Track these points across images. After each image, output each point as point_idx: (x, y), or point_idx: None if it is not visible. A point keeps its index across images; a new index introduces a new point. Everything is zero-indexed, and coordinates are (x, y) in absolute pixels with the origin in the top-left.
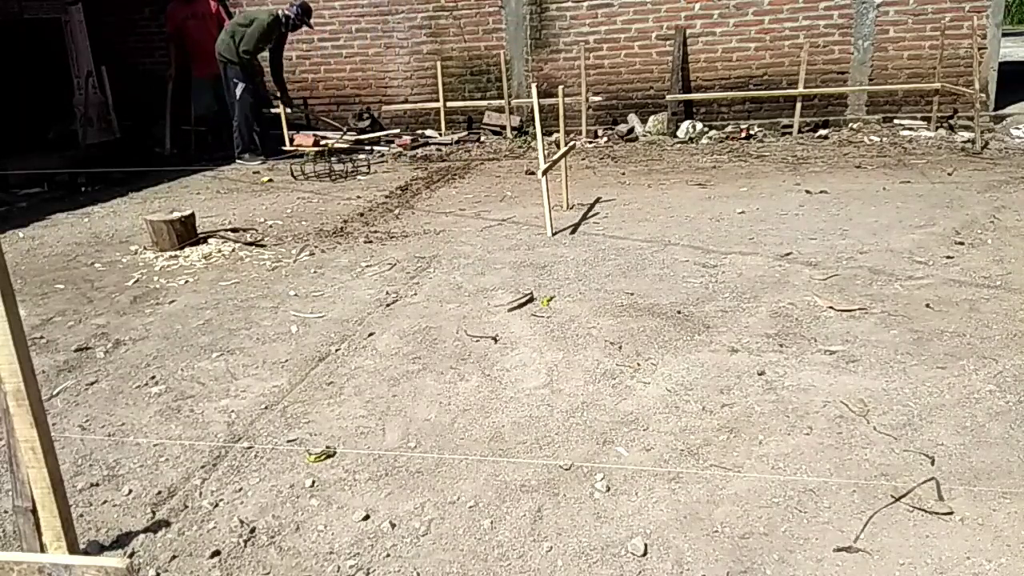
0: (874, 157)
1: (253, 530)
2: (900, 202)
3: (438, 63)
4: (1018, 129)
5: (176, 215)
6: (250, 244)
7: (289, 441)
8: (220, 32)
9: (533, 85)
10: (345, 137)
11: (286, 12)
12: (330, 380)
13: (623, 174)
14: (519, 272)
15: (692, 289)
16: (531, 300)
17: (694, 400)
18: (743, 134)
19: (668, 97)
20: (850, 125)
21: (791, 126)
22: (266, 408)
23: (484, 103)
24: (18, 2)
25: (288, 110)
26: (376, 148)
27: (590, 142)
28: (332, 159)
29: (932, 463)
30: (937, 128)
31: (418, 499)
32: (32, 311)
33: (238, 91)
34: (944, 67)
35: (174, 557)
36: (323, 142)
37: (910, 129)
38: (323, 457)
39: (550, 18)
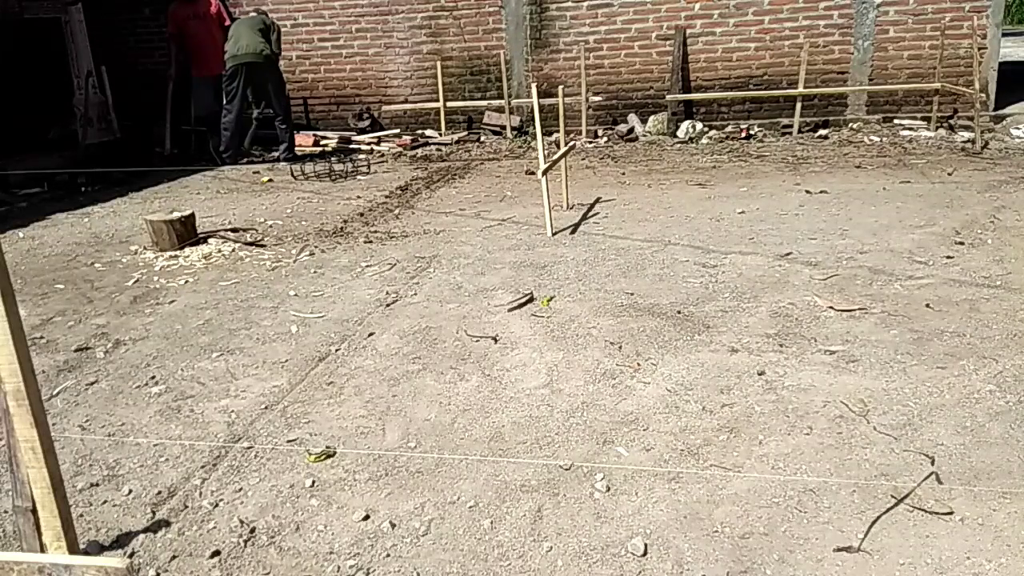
0: (874, 157)
1: (253, 530)
2: (900, 202)
3: (438, 63)
4: (1018, 129)
5: (176, 215)
6: (250, 244)
7: (289, 441)
8: (221, 35)
9: (533, 85)
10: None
11: None
12: (330, 380)
13: (623, 174)
14: (519, 272)
15: (692, 289)
16: (531, 300)
17: (694, 400)
18: (743, 134)
19: (668, 97)
20: (850, 125)
21: (791, 126)
22: (266, 408)
23: (484, 103)
24: (18, 2)
25: None
26: (376, 149)
27: (590, 142)
28: (332, 159)
29: (932, 463)
30: (937, 128)
31: (418, 499)
32: (32, 311)
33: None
34: (944, 67)
35: (174, 557)
36: (323, 143)
37: (910, 129)
38: (323, 457)
39: (550, 18)
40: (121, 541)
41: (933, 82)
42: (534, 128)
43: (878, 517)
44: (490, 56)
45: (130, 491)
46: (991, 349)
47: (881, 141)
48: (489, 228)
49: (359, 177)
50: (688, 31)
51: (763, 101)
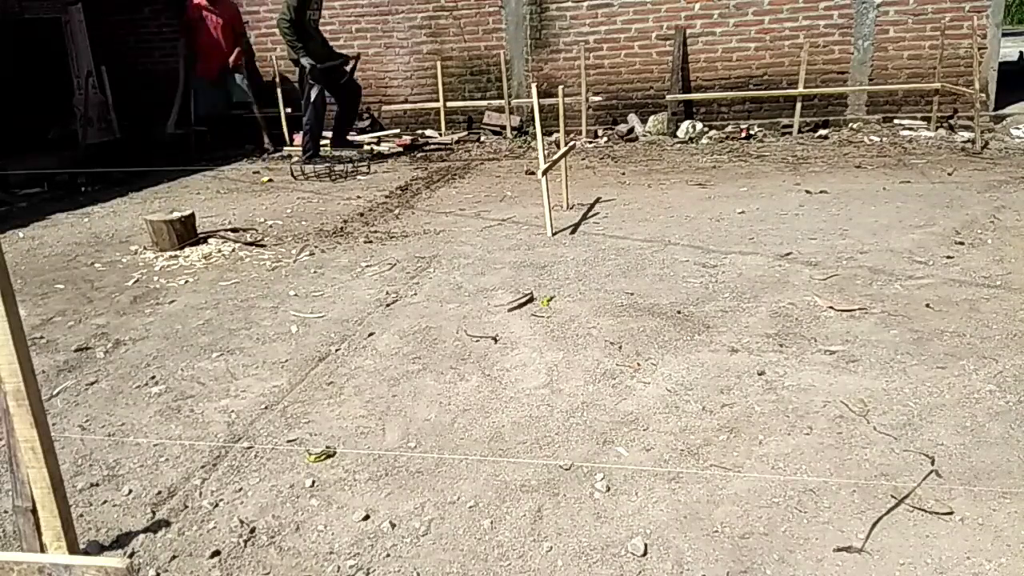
0: (874, 157)
1: (253, 530)
2: (900, 202)
3: (438, 63)
4: (1018, 129)
5: (176, 215)
6: (250, 244)
7: (289, 441)
8: (231, 40)
9: (533, 85)
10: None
11: None
12: (330, 380)
13: (623, 174)
14: (519, 272)
15: (692, 289)
16: (531, 300)
17: (694, 400)
18: (743, 134)
19: (668, 97)
20: (850, 125)
21: (791, 126)
22: (266, 408)
23: (484, 103)
24: (18, 2)
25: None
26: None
27: (590, 142)
28: (332, 159)
29: (932, 463)
30: (937, 128)
31: (418, 499)
32: (32, 311)
33: (314, 93)
34: (944, 67)
35: (174, 557)
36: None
37: (910, 129)
38: (323, 457)
39: (550, 18)
40: (121, 541)
41: (933, 82)
42: (534, 128)
43: (880, 518)
44: (490, 56)
45: (130, 491)
46: (991, 349)
47: (881, 141)
48: (489, 228)
49: (359, 177)
50: (688, 31)
51: (763, 101)
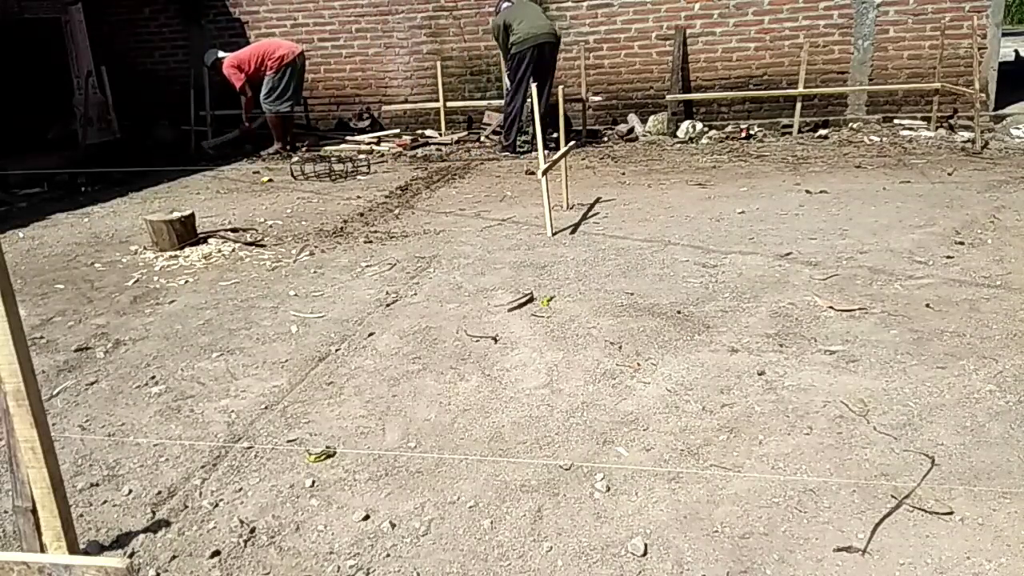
0: (874, 157)
1: (253, 530)
2: (900, 202)
3: (438, 63)
4: (1018, 129)
5: (176, 215)
6: (250, 244)
7: (289, 441)
8: None
9: (533, 85)
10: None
11: None
12: (330, 380)
13: (623, 174)
14: (519, 272)
15: (692, 289)
16: (531, 300)
17: (694, 400)
18: (743, 134)
19: (668, 97)
20: (850, 125)
21: (791, 126)
22: (266, 408)
23: (484, 103)
24: (18, 2)
25: None
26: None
27: (590, 142)
28: (332, 159)
29: (932, 463)
30: (937, 128)
31: (418, 499)
32: (32, 311)
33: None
34: (944, 67)
35: (174, 557)
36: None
37: (910, 129)
38: (323, 457)
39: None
40: (121, 541)
41: (933, 82)
42: (534, 128)
43: (880, 520)
44: (490, 56)
45: (130, 491)
46: (991, 349)
47: (881, 141)
48: (489, 228)
49: (359, 177)
50: (688, 31)
51: (763, 101)
